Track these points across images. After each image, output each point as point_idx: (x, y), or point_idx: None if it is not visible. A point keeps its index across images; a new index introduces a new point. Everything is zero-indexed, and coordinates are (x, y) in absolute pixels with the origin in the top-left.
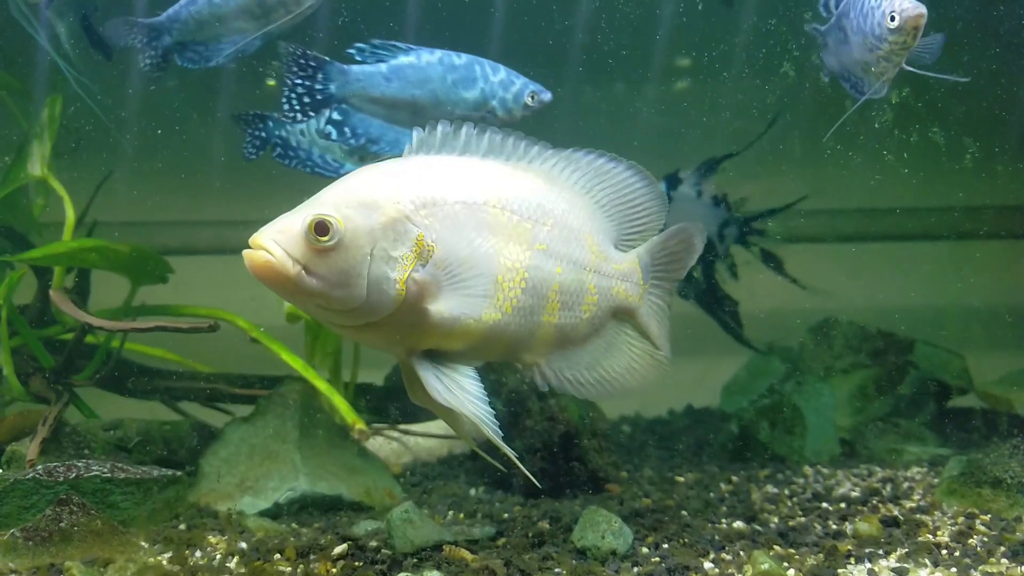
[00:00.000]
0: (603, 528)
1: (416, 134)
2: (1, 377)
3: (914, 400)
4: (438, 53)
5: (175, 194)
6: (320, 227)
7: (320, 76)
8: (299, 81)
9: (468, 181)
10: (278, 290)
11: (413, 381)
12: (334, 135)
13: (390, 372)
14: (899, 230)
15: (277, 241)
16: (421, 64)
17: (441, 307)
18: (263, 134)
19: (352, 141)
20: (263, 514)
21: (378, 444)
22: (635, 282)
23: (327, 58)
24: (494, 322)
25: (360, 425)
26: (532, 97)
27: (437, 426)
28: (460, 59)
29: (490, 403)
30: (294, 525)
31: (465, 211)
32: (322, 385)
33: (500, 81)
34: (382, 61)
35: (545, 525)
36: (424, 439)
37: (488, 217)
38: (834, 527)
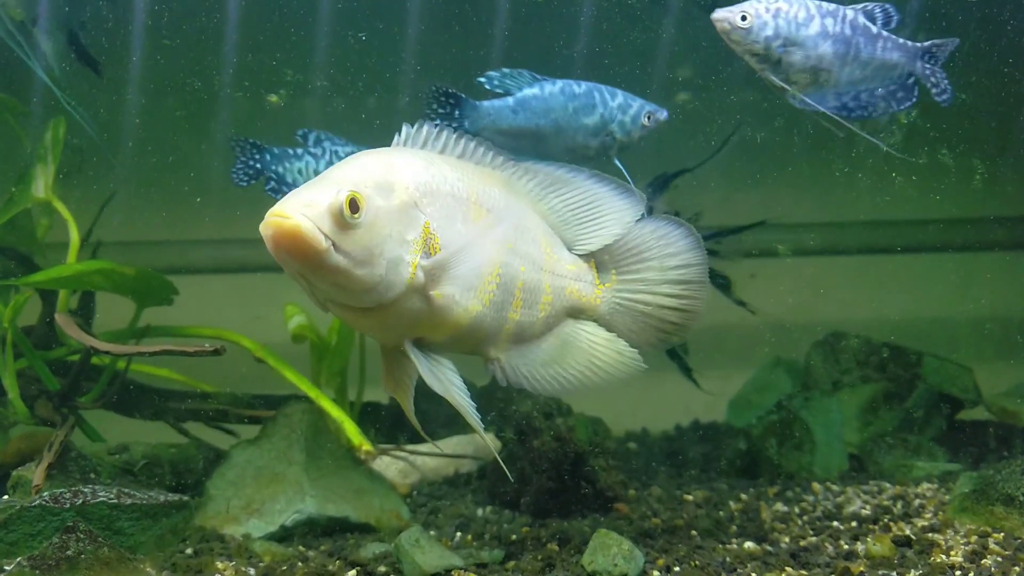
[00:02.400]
0: (614, 552)
1: (405, 129)
2: (6, 400)
3: (923, 414)
4: (559, 83)
5: (172, 213)
6: (353, 204)
7: (457, 112)
8: (436, 118)
9: (452, 175)
10: (302, 263)
11: (391, 369)
12: None
13: None
14: (906, 242)
15: (306, 214)
16: (544, 95)
17: (438, 295)
18: (258, 165)
19: None
20: (270, 537)
21: (385, 464)
22: (589, 282)
23: (463, 95)
24: (476, 313)
25: (366, 446)
26: (649, 117)
27: (444, 445)
28: (580, 87)
29: (500, 431)
30: (301, 548)
31: (454, 203)
32: (328, 405)
33: (618, 105)
34: (510, 90)
35: (554, 547)
36: (431, 457)
37: (471, 212)
38: (846, 547)
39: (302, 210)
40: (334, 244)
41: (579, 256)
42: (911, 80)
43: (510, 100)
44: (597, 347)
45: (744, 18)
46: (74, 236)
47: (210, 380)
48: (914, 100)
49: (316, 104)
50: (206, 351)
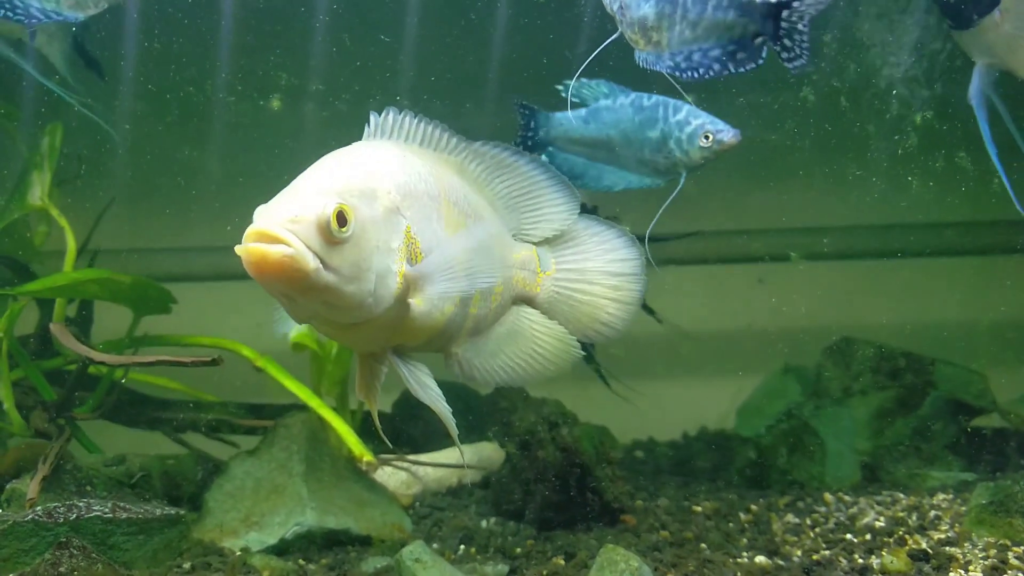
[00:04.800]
0: (621, 568)
1: (373, 119)
2: (2, 411)
3: (936, 422)
4: (632, 95)
5: (170, 220)
6: (340, 217)
7: (533, 123)
8: (520, 130)
9: (424, 171)
10: (290, 287)
11: (365, 376)
12: None
13: (398, 398)
14: (920, 246)
15: (294, 232)
16: (615, 106)
17: (419, 301)
18: None
19: None
20: (269, 550)
21: (387, 474)
22: (532, 270)
23: (537, 107)
24: (450, 315)
25: (368, 457)
26: (707, 137)
27: (446, 456)
28: (649, 100)
29: (503, 444)
30: (301, 562)
31: (429, 202)
32: (329, 415)
33: (677, 121)
34: (584, 100)
35: (560, 561)
36: (433, 468)
37: (442, 209)
38: (860, 561)
39: (288, 227)
40: (322, 262)
41: (523, 243)
42: (759, 40)
43: (583, 111)
44: (539, 334)
45: None
46: (71, 245)
47: (209, 389)
48: (760, 63)
49: (313, 109)
50: (203, 362)
